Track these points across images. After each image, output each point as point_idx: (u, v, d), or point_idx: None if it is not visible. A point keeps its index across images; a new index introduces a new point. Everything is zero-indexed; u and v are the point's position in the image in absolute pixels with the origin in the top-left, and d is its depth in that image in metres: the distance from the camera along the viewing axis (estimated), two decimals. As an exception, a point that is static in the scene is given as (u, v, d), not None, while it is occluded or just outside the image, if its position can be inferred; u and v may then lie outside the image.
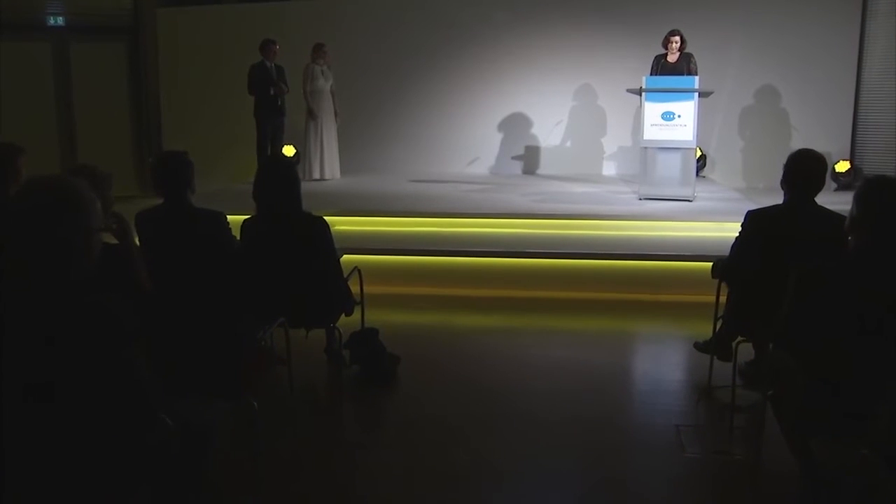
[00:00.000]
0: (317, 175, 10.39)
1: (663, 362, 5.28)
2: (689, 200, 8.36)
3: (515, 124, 11.63)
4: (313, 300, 4.14)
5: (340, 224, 7.88)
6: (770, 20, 10.76)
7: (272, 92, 10.00)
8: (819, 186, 3.87)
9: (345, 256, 6.85)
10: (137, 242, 4.18)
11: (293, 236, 4.10)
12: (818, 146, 10.56)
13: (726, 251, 6.67)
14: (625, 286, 6.68)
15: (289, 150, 11.57)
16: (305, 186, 9.64)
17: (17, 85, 11.89)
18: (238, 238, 4.22)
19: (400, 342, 5.36)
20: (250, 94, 10.08)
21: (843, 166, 10.43)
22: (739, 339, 4.00)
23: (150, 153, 12.85)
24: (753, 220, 3.98)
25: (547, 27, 11.26)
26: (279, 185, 4.08)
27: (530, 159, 11.67)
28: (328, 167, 10.46)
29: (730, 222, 7.43)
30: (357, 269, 4.71)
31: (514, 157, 11.67)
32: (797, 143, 10.74)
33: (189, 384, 3.10)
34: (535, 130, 11.61)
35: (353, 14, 11.72)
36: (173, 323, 3.07)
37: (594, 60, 11.13)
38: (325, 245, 4.15)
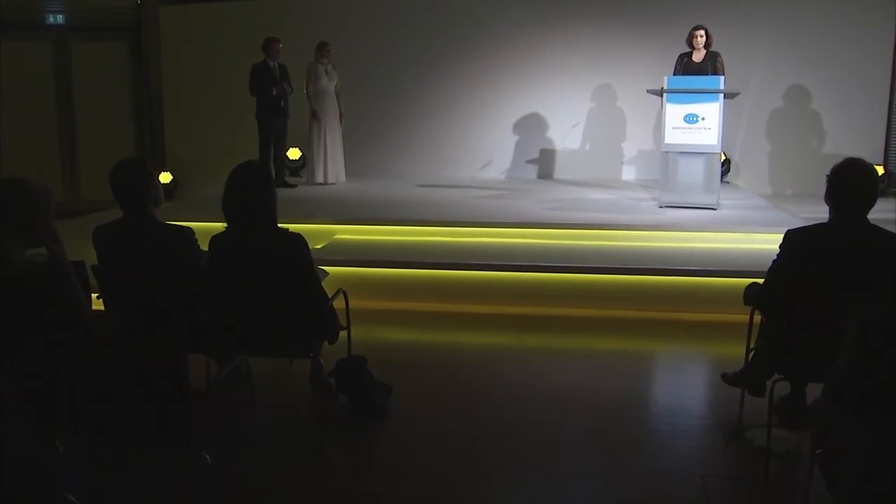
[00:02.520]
0: (320, 179, 9.95)
1: (686, 395, 4.75)
2: (713, 209, 7.83)
3: (530, 126, 11.15)
4: (289, 327, 3.65)
5: (341, 233, 7.45)
6: (798, 17, 10.30)
7: (275, 92, 9.58)
8: (870, 202, 3.35)
9: (342, 269, 6.44)
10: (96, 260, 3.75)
11: (264, 255, 3.62)
12: (849, 150, 10.19)
13: (754, 265, 6.27)
14: (644, 303, 6.17)
15: (294, 153, 11.19)
16: (307, 191, 9.47)
17: (17, 85, 11.61)
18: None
19: (397, 365, 4.97)
20: (252, 95, 9.69)
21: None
22: (776, 377, 3.47)
23: (153, 155, 12.50)
24: (794, 241, 3.44)
25: (565, 24, 10.80)
26: (248, 195, 3.60)
27: (546, 163, 11.19)
28: (332, 171, 10.02)
29: (758, 233, 6.98)
30: (342, 291, 4.21)
31: (528, 161, 11.20)
32: (827, 147, 10.26)
33: (128, 439, 2.64)
34: (551, 133, 11.13)
35: (361, 11, 11.30)
36: (108, 363, 2.60)
37: (614, 59, 10.65)
38: (302, 264, 3.65)
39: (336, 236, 7.40)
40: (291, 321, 3.63)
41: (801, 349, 3.33)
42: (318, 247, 7.12)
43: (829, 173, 3.38)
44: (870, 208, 3.36)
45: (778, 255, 3.50)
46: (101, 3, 11.96)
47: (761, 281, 3.69)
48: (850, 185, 3.34)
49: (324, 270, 4.46)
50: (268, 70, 9.60)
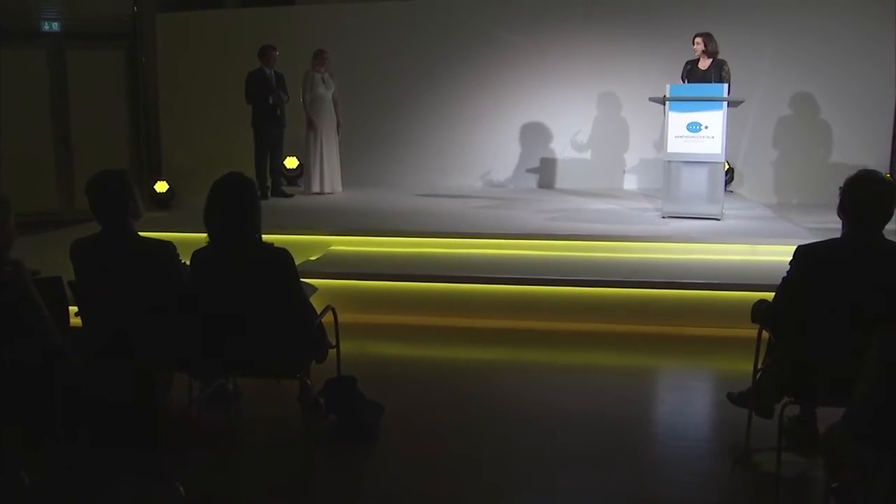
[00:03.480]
0: (317, 189, 9.81)
1: (690, 415, 4.56)
2: (716, 219, 7.66)
3: (531, 135, 10.99)
4: (274, 347, 3.48)
5: (336, 244, 7.28)
6: (803, 25, 10.16)
7: (271, 101, 9.43)
8: (887, 216, 3.16)
9: (337, 282, 6.28)
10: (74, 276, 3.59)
11: (247, 270, 3.44)
12: (854, 158, 10.03)
13: (760, 278, 6.10)
14: (646, 317, 5.99)
15: (291, 162, 11.05)
16: (304, 201, 9.30)
17: (12, 93, 11.51)
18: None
19: (391, 382, 4.82)
20: (248, 104, 9.55)
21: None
22: (786, 400, 3.29)
23: (149, 163, 12.36)
24: (805, 258, 3.25)
25: (566, 31, 10.65)
26: (230, 208, 3.43)
27: (546, 172, 11.02)
28: (328, 180, 9.87)
29: (763, 245, 6.81)
30: (331, 308, 4.03)
31: (529, 170, 11.04)
32: (832, 156, 10.11)
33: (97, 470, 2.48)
34: (552, 142, 10.97)
35: (359, 18, 11.18)
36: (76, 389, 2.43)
37: (616, 67, 10.50)
38: (288, 281, 3.48)
39: (332, 248, 7.23)
40: (277, 340, 3.46)
41: (813, 371, 3.15)
42: (314, 258, 6.97)
43: (842, 185, 3.21)
44: (886, 222, 3.18)
45: (788, 271, 3.31)
46: (97, 11, 11.84)
47: (770, 296, 3.53)
48: (864, 197, 3.15)
49: (312, 286, 4.29)
50: (264, 78, 9.47)
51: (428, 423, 4.30)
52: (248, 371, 3.56)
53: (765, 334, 3.69)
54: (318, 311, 3.94)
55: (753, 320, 3.62)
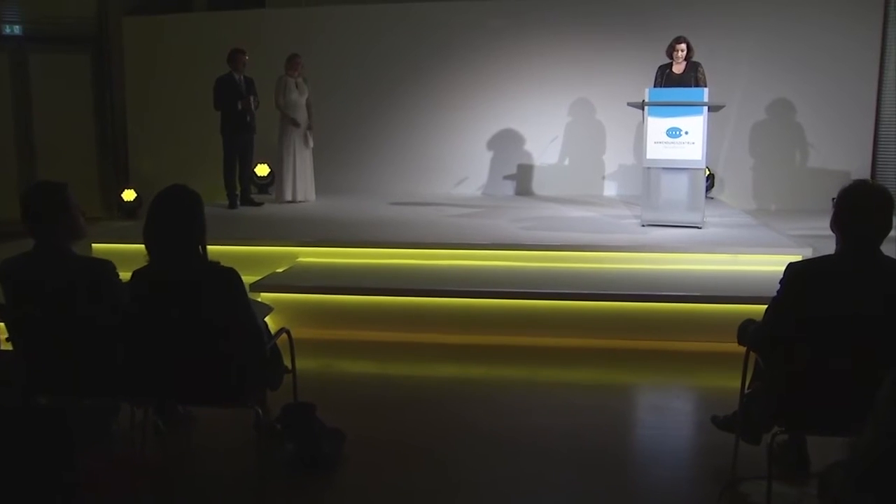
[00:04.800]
0: (289, 197, 9.54)
1: (672, 438, 4.30)
2: (698, 227, 7.45)
3: (507, 141, 10.77)
4: (221, 375, 3.19)
5: (305, 255, 7.00)
6: (782, 27, 10.01)
7: (240, 106, 9.12)
8: (885, 230, 2.91)
9: (304, 297, 6.02)
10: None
11: (190, 292, 3.15)
12: (836, 164, 9.86)
13: (743, 290, 5.87)
14: (625, 332, 5.74)
15: (262, 170, 10.76)
16: (273, 210, 9.00)
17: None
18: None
19: (358, 403, 4.60)
20: (216, 109, 9.23)
21: (863, 186, 9.47)
22: (776, 430, 3.05)
23: (115, 171, 12.01)
24: (797, 278, 2.97)
25: (542, 34, 10.45)
26: (169, 225, 3.14)
27: (523, 179, 10.80)
28: (301, 188, 9.60)
29: (746, 254, 6.60)
30: (286, 331, 3.74)
31: (505, 177, 10.81)
32: (813, 161, 9.95)
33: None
34: (528, 147, 10.75)
35: (330, 22, 10.92)
36: None
37: (593, 71, 10.31)
38: (235, 303, 3.19)
39: (299, 259, 6.95)
40: (223, 368, 3.17)
41: (806, 401, 2.90)
42: (280, 270, 6.69)
43: (836, 197, 2.95)
44: (884, 237, 2.93)
45: (778, 291, 3.04)
46: (60, 13, 11.47)
47: (754, 309, 3.28)
48: (862, 210, 2.90)
49: (267, 305, 4.01)
50: (233, 83, 9.17)
51: (394, 449, 4.03)
52: (192, 401, 3.28)
53: (753, 354, 3.45)
54: (274, 332, 3.67)
55: (740, 342, 3.37)
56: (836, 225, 2.96)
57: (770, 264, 6.44)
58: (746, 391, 3.47)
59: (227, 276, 3.14)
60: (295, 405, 3.76)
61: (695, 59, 8.07)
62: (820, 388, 2.87)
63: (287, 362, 3.72)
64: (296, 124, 9.40)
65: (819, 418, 2.94)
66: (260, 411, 3.31)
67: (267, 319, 3.89)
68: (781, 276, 3.01)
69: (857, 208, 2.90)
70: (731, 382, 3.71)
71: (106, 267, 3.22)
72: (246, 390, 3.25)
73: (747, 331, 3.30)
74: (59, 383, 3.28)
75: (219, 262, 3.19)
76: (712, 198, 9.60)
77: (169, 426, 3.89)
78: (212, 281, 3.15)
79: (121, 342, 3.17)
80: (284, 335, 3.69)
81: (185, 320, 3.11)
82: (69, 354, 3.17)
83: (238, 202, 9.37)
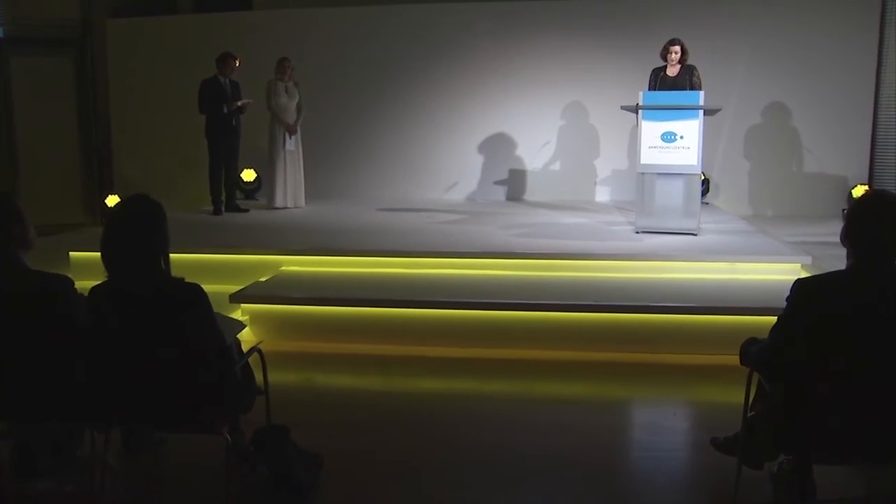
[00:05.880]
0: (280, 203, 9.32)
1: (669, 458, 4.07)
2: (693, 234, 7.25)
3: (498, 145, 10.57)
4: (186, 398, 2.96)
5: (288, 264, 6.78)
6: (778, 30, 9.86)
7: (226, 110, 8.89)
8: (900, 242, 2.70)
9: (287, 308, 5.81)
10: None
11: (151, 310, 2.92)
12: (833, 169, 9.67)
13: (740, 300, 5.66)
14: (619, 344, 5.53)
15: (248, 175, 10.54)
16: (258, 216, 8.77)
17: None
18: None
19: (340, 419, 4.41)
20: (201, 113, 9.00)
21: (860, 191, 9.29)
22: (782, 458, 2.83)
23: (98, 176, 11.77)
24: (805, 295, 2.75)
25: (534, 37, 10.27)
26: (127, 239, 2.91)
27: (515, 184, 10.60)
28: (291, 194, 9.39)
29: (743, 262, 6.40)
30: (258, 350, 3.51)
31: (496, 182, 10.61)
32: (810, 166, 9.79)
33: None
34: (520, 152, 10.55)
35: (318, 25, 10.72)
36: None
37: (586, 74, 10.13)
38: (200, 322, 2.96)
39: (283, 268, 6.72)
40: (188, 391, 2.94)
41: (812, 426, 2.69)
42: (262, 280, 6.46)
43: (847, 207, 2.74)
44: (899, 250, 2.71)
45: (785, 310, 2.81)
46: (42, 15, 11.23)
47: (756, 321, 3.06)
48: (875, 222, 2.69)
49: (239, 322, 3.78)
50: (218, 86, 8.95)
51: (374, 470, 3.81)
52: (157, 424, 3.05)
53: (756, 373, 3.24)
54: (252, 346, 3.46)
55: (743, 363, 3.15)
56: (847, 238, 2.74)
57: (769, 273, 6.26)
58: (749, 413, 3.25)
59: (191, 292, 2.91)
60: (268, 428, 3.53)
61: (689, 61, 7.87)
62: (828, 412, 2.65)
63: (260, 380, 3.50)
64: (288, 128, 9.19)
65: (827, 444, 2.72)
66: (229, 439, 3.08)
67: (245, 332, 3.68)
68: (788, 291, 2.79)
69: (870, 220, 2.68)
70: (730, 397, 3.53)
71: (64, 282, 2.99)
72: (214, 415, 3.02)
73: (750, 351, 3.09)
74: (10, 406, 3.06)
75: (182, 278, 2.96)
76: (707, 203, 9.42)
77: (133, 453, 3.66)
78: (175, 299, 2.92)
79: (78, 361, 2.94)
80: (256, 354, 3.46)
81: (145, 341, 2.88)
82: (23, 374, 2.94)
83: (223, 208, 9.14)
